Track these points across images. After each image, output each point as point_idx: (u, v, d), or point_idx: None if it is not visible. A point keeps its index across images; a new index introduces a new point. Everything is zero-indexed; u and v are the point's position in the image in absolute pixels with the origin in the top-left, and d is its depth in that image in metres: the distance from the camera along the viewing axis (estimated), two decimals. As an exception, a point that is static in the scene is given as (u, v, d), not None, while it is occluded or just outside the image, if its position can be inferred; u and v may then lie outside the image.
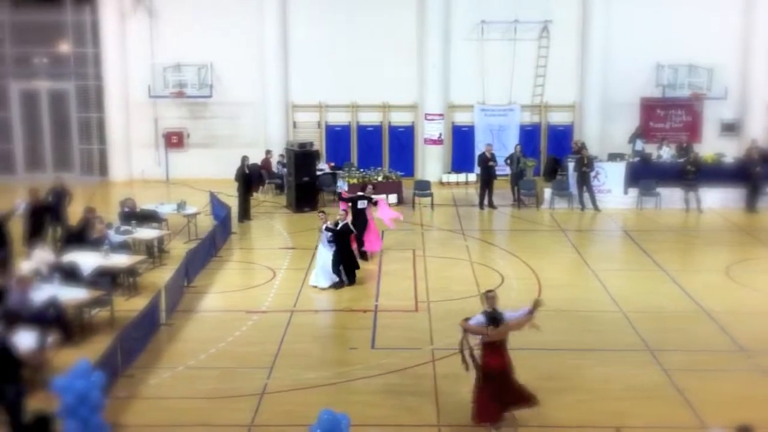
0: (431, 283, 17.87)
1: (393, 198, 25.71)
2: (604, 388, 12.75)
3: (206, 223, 22.26)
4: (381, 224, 20.58)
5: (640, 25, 28.68)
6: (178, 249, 20.02)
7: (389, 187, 25.80)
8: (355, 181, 25.42)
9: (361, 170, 26.43)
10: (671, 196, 25.21)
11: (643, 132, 28.83)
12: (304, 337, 15.03)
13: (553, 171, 26.85)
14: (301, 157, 25.10)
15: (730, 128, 29.86)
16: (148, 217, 20.71)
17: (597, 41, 29.26)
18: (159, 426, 11.52)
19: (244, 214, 23.65)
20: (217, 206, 23.10)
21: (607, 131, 29.18)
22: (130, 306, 15.89)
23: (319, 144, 29.52)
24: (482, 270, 19.02)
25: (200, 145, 30.09)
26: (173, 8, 29.25)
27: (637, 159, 26.47)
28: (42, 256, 16.67)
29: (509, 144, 28.70)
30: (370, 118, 30.45)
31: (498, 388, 11.12)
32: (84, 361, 10.81)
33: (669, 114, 29.90)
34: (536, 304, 11.30)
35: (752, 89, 29.36)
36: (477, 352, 11.28)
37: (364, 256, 19.43)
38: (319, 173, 26.30)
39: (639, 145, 27.95)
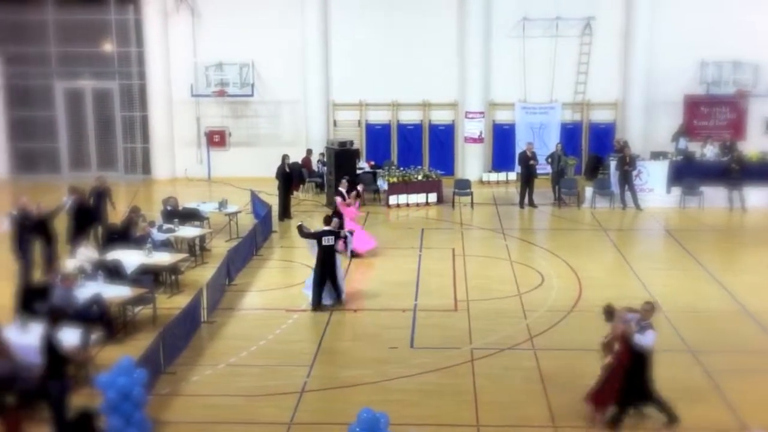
0: (471, 283, 17.83)
1: (433, 197, 25.72)
2: (645, 389, 12.61)
3: (247, 221, 22.42)
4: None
5: (684, 22, 28.28)
6: (220, 247, 20.20)
7: (429, 185, 25.80)
8: (395, 179, 25.45)
9: (401, 169, 26.44)
10: (715, 195, 24.86)
11: (687, 130, 28.46)
12: (344, 335, 15.11)
13: (595, 169, 26.61)
14: (342, 156, 25.18)
15: (776, 126, 29.39)
16: (190, 216, 20.95)
17: (640, 38, 28.93)
18: (200, 423, 11.65)
19: (285, 212, 23.79)
20: (258, 205, 23.26)
21: (650, 129, 28.84)
22: (172, 304, 16.09)
23: (360, 142, 29.57)
24: (522, 269, 18.95)
25: (242, 144, 30.31)
26: (215, 7, 29.49)
27: (680, 157, 26.15)
28: (86, 254, 16.95)
29: (550, 142, 28.52)
30: (410, 117, 30.44)
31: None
32: (127, 358, 10.98)
33: (713, 112, 29.48)
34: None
35: (799, 86, 28.84)
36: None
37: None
38: (359, 172, 26.36)
39: (683, 143, 27.59)
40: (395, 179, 25.56)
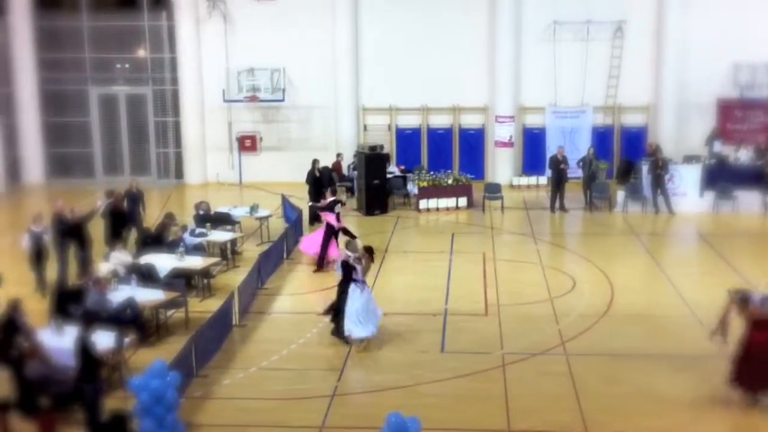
0: (501, 287, 17.78)
1: (463, 201, 25.69)
2: (677, 394, 12.53)
3: (278, 225, 22.53)
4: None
5: (718, 24, 27.98)
6: (251, 251, 20.33)
7: (459, 190, 25.77)
8: (425, 184, 25.45)
9: (431, 173, 26.42)
10: (749, 199, 24.58)
11: (720, 134, 28.17)
12: (374, 339, 15.08)
13: (626, 173, 26.40)
14: (372, 160, 25.23)
15: (812, 130, 29.00)
16: (221, 220, 21.09)
17: (673, 41, 28.69)
18: (232, 426, 11.73)
19: (315, 216, 23.84)
20: (289, 209, 23.36)
21: (682, 133, 28.57)
22: (204, 307, 16.20)
23: (390, 147, 29.60)
24: (553, 274, 18.86)
25: (273, 149, 30.46)
26: (247, 13, 29.68)
27: (713, 161, 25.90)
28: (119, 258, 17.14)
29: (581, 146, 28.36)
30: (440, 121, 30.42)
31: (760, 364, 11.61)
32: (160, 361, 11.07)
33: (747, 115, 29.15)
34: None
35: (835, 89, 28.44)
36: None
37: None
38: (389, 176, 26.39)
39: (717, 146, 27.31)
40: (425, 183, 25.55)
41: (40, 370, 11.81)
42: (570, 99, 29.65)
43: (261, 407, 12.29)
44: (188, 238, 18.81)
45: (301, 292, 17.78)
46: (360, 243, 15.70)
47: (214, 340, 14.20)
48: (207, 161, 30.68)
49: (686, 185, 25.11)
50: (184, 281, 16.48)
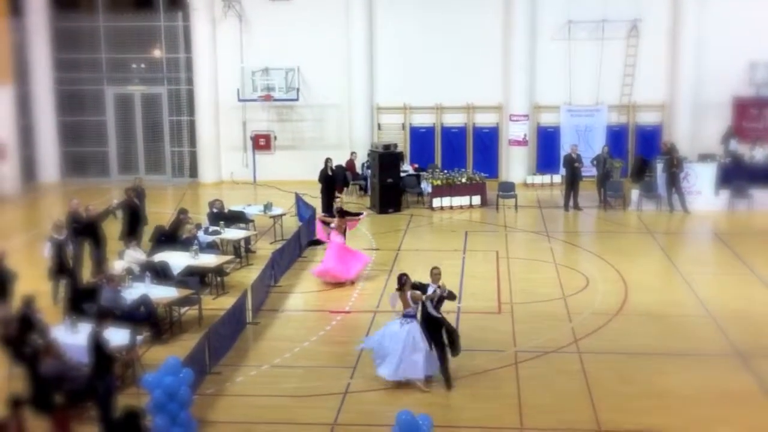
0: (515, 285, 17.75)
1: (477, 200, 25.66)
2: (691, 393, 12.49)
3: (291, 224, 22.58)
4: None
5: (733, 22, 27.79)
6: (265, 249, 20.39)
7: (473, 188, 25.74)
8: (438, 182, 25.43)
9: (445, 171, 26.40)
10: (764, 197, 24.42)
11: (736, 132, 28.00)
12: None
13: (641, 172, 26.29)
14: (386, 159, 25.25)
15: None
16: (235, 218, 21.15)
17: (688, 39, 28.54)
18: (244, 423, 11.76)
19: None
20: (303, 207, 23.42)
21: (697, 131, 28.41)
22: (217, 305, 16.26)
23: (404, 145, 29.61)
24: (567, 272, 18.81)
25: (287, 148, 30.52)
26: (262, 13, 29.74)
27: (728, 160, 25.76)
28: (134, 255, 17.22)
29: (596, 145, 28.27)
30: (454, 120, 30.38)
31: None
32: (173, 358, 11.13)
33: (763, 113, 28.96)
34: None
35: None
36: None
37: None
38: (403, 174, 26.40)
39: (733, 145, 27.16)
40: (439, 182, 25.53)
41: (55, 367, 11.88)
42: (585, 97, 29.55)
43: (273, 404, 12.33)
44: (202, 236, 18.90)
45: (314, 290, 17.80)
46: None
47: (227, 337, 14.24)
48: (221, 160, 30.77)
49: (701, 184, 24.98)
50: (197, 279, 16.57)
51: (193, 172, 31.26)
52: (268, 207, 22.00)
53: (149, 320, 14.46)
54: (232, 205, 22.31)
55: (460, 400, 12.38)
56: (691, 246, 22.27)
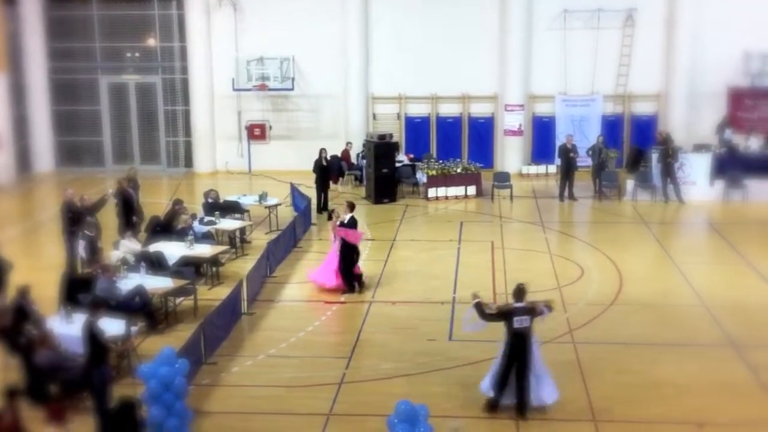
0: (510, 275, 17.74)
1: (472, 190, 25.66)
2: (686, 383, 12.55)
3: (287, 214, 22.56)
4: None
5: (729, 12, 27.75)
6: (260, 239, 20.37)
7: (468, 178, 25.74)
8: (434, 172, 25.43)
9: (440, 161, 26.40)
10: (759, 188, 24.45)
11: (730, 122, 28.02)
12: (383, 327, 15.15)
13: (636, 162, 26.31)
14: (381, 149, 25.23)
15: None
16: (230, 208, 21.13)
17: (683, 28, 28.52)
18: (240, 413, 11.79)
19: (323, 205, 23.91)
20: (298, 198, 23.40)
21: (692, 121, 28.41)
22: (213, 295, 16.27)
23: (399, 135, 29.56)
24: (562, 262, 18.84)
25: (282, 137, 30.47)
26: (257, 2, 29.60)
27: (723, 150, 25.78)
28: (129, 246, 17.21)
29: (591, 135, 28.27)
30: (449, 110, 30.34)
31: None
32: (168, 348, 11.12)
33: (758, 104, 28.96)
34: None
35: None
36: None
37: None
38: (398, 165, 26.38)
39: (728, 135, 27.18)
40: (434, 172, 25.53)
41: (50, 358, 11.89)
42: (580, 87, 29.53)
43: (269, 394, 12.35)
44: (197, 226, 18.87)
45: (309, 281, 17.78)
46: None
47: (222, 327, 14.26)
48: (216, 150, 30.70)
49: (696, 174, 25.00)
50: (193, 269, 16.56)
51: (188, 161, 31.19)
52: (263, 197, 21.98)
53: (144, 310, 14.46)
54: (227, 195, 22.29)
55: (454, 390, 12.40)
56: (685, 236, 22.31)
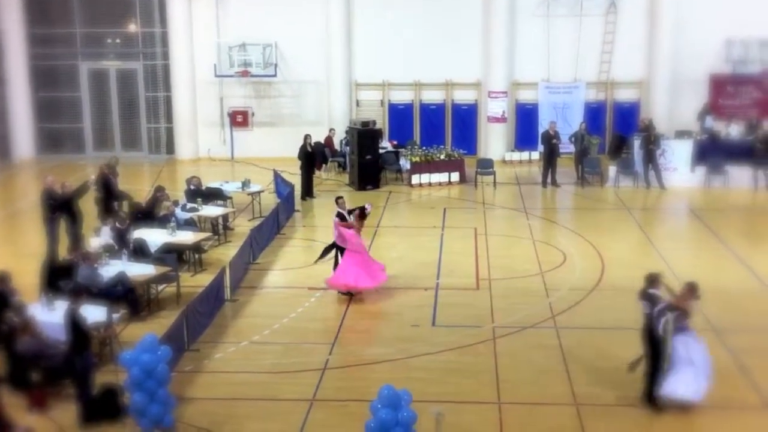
0: (493, 261, 17.82)
1: (455, 176, 25.68)
2: (667, 368, 12.60)
3: (270, 200, 22.51)
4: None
5: (711, 0, 27.89)
6: (243, 226, 20.33)
7: (452, 165, 25.76)
8: (417, 159, 25.43)
9: (424, 148, 26.41)
10: (740, 174, 24.59)
11: (712, 109, 28.14)
12: (366, 314, 15.18)
13: (618, 149, 26.41)
14: (364, 136, 25.18)
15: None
16: (213, 195, 21.06)
17: (666, 16, 28.56)
18: (223, 399, 11.78)
19: (307, 192, 23.87)
20: (281, 184, 23.35)
21: (674, 108, 28.49)
22: (195, 282, 16.23)
23: (382, 122, 29.52)
24: (545, 248, 18.92)
25: (265, 124, 30.36)
26: (239, -13, 29.51)
27: (704, 137, 25.91)
28: (111, 232, 17.09)
29: (574, 122, 28.32)
30: (433, 96, 30.32)
31: None
32: (151, 335, 11.08)
33: (739, 91, 29.10)
34: None
35: (827, 64, 28.40)
36: None
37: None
38: (381, 151, 26.35)
39: (709, 122, 27.30)
40: (418, 159, 25.53)
41: (31, 345, 11.84)
42: (563, 74, 29.56)
43: (252, 381, 12.34)
44: (179, 213, 18.80)
45: (292, 267, 17.78)
46: None
47: (205, 314, 14.22)
48: (198, 136, 30.55)
49: (678, 160, 25.14)
50: (175, 256, 16.49)
51: (170, 148, 31.03)
52: (246, 184, 21.92)
53: (126, 298, 14.39)
54: (210, 182, 22.20)
55: (437, 375, 12.44)
56: (667, 222, 22.43)
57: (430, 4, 29.21)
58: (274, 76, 29.48)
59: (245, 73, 29.12)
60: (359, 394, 11.45)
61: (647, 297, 11.63)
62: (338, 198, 16.79)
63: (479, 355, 13.17)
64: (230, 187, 21.93)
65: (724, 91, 29.09)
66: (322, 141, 27.20)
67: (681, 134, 25.96)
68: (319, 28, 29.22)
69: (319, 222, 21.81)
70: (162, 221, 17.96)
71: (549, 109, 29.63)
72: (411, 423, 9.37)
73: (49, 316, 12.67)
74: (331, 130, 28.15)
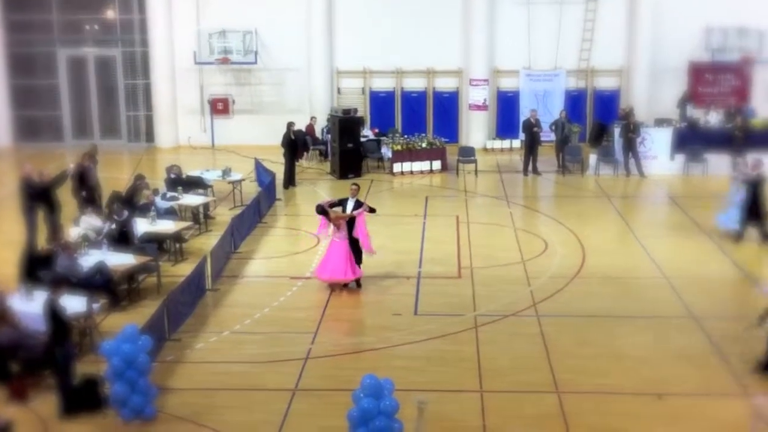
0: (474, 250, 17.84)
1: (437, 165, 25.68)
2: (646, 354, 12.72)
3: (251, 189, 22.41)
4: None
5: (690, -13, 28.04)
6: (224, 215, 20.22)
7: (433, 153, 25.75)
8: (399, 147, 25.41)
9: (405, 136, 26.38)
10: (719, 162, 24.73)
11: (691, 97, 28.26)
12: (348, 302, 15.16)
13: (599, 137, 26.49)
14: (346, 124, 25.12)
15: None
16: (194, 184, 20.92)
17: (646, 4, 28.63)
18: (205, 389, 11.74)
19: (289, 180, 23.79)
20: (262, 173, 23.25)
21: (654, 96, 28.61)
22: (176, 272, 16.16)
23: (364, 110, 29.45)
24: (526, 236, 18.97)
25: (245, 112, 30.20)
26: (218, -26, 29.28)
27: (684, 124, 26.04)
28: (90, 222, 16.98)
29: (554, 110, 28.38)
30: (414, 84, 30.27)
31: None
32: (131, 325, 11.04)
33: (718, 78, 29.22)
34: None
35: (805, 52, 28.58)
36: None
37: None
38: (363, 139, 26.30)
39: (688, 110, 27.43)
40: (399, 147, 25.50)
41: (10, 336, 11.75)
42: (543, 62, 29.60)
43: (234, 370, 12.31)
44: (160, 202, 18.68)
45: (274, 256, 17.73)
46: None
47: (186, 304, 14.16)
48: (178, 124, 30.35)
49: (657, 148, 25.26)
50: (156, 245, 16.39)
51: (150, 136, 30.82)
52: (226, 172, 21.81)
53: (106, 287, 14.29)
54: (190, 171, 22.06)
55: (420, 364, 12.46)
56: (647, 210, 22.54)
57: (411, -8, 29.14)
58: (255, 63, 29.34)
59: (225, 61, 28.95)
60: (342, 383, 11.44)
61: None
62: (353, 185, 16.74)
63: (461, 343, 13.19)
64: (211, 176, 21.79)
65: (703, 79, 29.18)
66: (304, 129, 27.09)
67: (660, 122, 26.07)
68: (300, 16, 29.06)
69: (301, 210, 21.78)
70: (142, 210, 17.83)
71: (530, 96, 29.67)
72: (393, 412, 9.39)
73: (28, 306, 12.56)
74: (312, 118, 28.04)
